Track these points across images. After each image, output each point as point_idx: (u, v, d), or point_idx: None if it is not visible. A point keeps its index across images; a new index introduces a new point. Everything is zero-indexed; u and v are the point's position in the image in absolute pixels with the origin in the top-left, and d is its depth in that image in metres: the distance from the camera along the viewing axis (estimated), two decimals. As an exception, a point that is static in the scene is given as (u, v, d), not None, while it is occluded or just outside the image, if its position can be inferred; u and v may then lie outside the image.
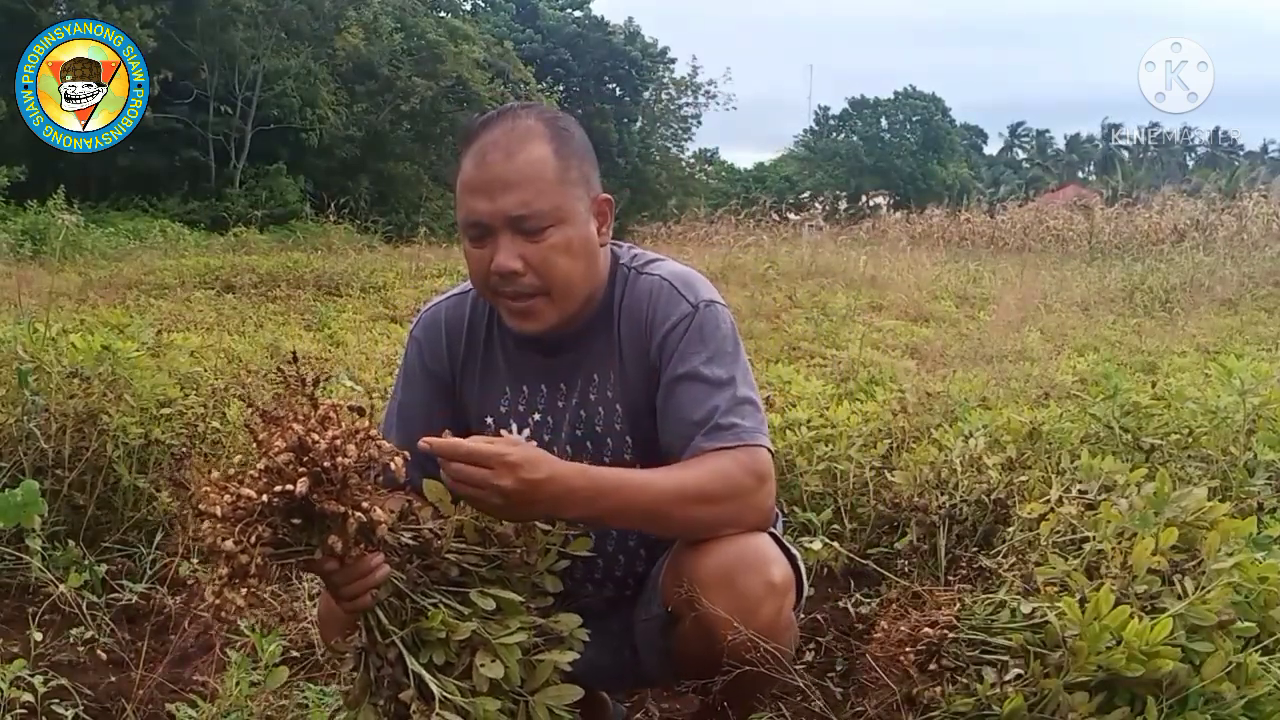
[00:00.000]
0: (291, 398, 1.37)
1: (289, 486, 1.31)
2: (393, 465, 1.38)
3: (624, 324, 1.70)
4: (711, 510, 1.56)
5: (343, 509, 1.34)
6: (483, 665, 1.43)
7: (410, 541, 1.48)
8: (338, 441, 1.34)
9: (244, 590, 1.32)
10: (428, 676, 1.41)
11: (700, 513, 1.56)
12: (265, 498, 1.32)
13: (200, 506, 1.32)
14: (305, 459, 1.33)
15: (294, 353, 1.45)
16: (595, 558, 1.71)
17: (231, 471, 1.35)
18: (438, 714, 1.39)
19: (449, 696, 1.40)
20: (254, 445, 1.37)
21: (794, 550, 1.70)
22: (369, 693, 1.44)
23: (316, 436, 1.33)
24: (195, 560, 2.68)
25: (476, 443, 1.47)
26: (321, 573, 1.41)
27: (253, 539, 1.31)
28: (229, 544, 1.30)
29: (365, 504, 1.36)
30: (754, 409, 1.62)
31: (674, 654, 1.68)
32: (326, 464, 1.33)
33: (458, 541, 1.53)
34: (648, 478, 1.58)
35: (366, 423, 1.38)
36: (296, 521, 1.35)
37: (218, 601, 1.32)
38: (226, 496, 1.32)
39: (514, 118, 1.61)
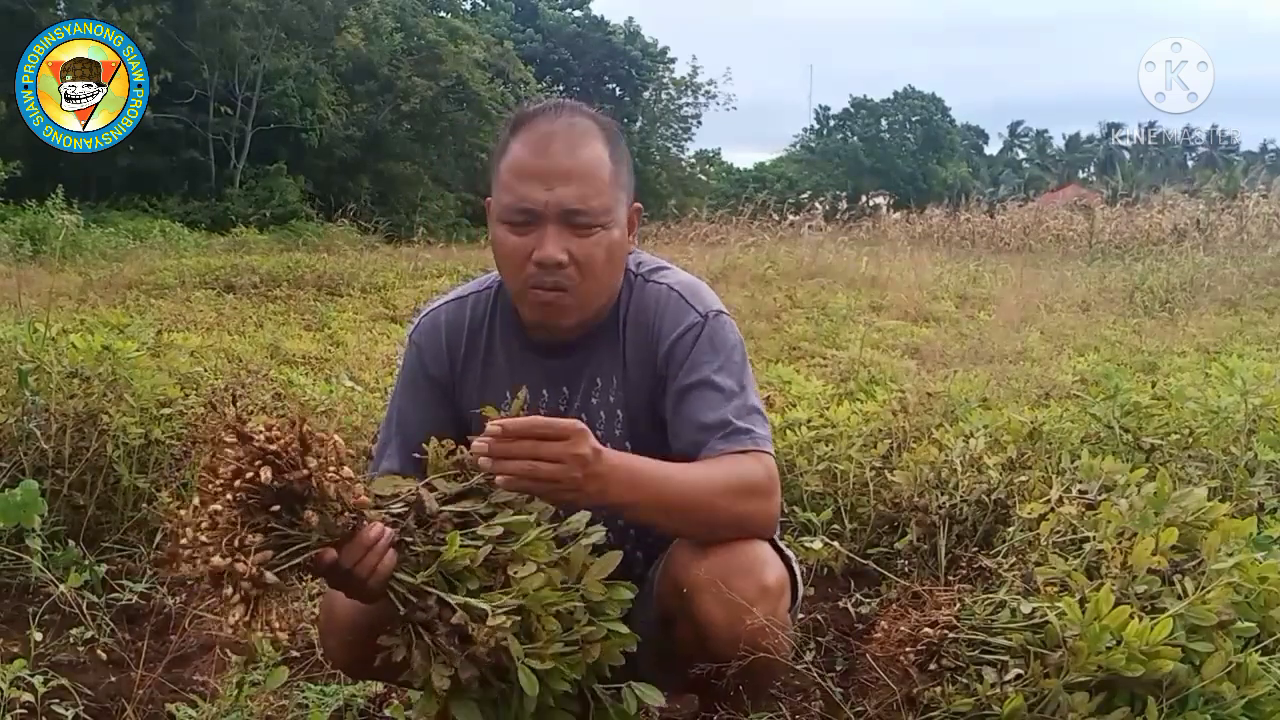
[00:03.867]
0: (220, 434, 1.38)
1: (253, 474, 1.31)
2: (337, 442, 1.39)
3: (630, 331, 1.70)
4: (729, 506, 1.56)
5: (308, 474, 1.34)
6: (516, 571, 1.43)
7: (403, 508, 1.47)
8: (284, 439, 1.36)
9: (263, 614, 1.31)
10: (471, 601, 1.40)
11: (721, 506, 1.55)
12: (232, 496, 1.32)
13: (181, 542, 1.32)
14: (259, 458, 1.33)
15: (232, 395, 1.46)
16: None
17: (194, 504, 1.35)
18: (491, 628, 1.38)
19: (496, 608, 1.39)
20: (204, 474, 1.37)
21: (789, 553, 1.70)
22: (430, 656, 1.42)
23: (263, 435, 1.35)
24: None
25: (542, 418, 1.45)
26: (327, 567, 1.39)
27: (241, 546, 1.30)
28: (216, 559, 1.29)
29: (331, 470, 1.36)
30: (762, 420, 1.64)
31: (674, 656, 1.68)
32: (279, 451, 1.34)
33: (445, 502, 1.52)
34: (682, 468, 1.58)
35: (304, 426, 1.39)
36: (276, 509, 1.34)
37: (241, 634, 1.31)
38: (202, 521, 1.32)
39: (573, 112, 1.62)
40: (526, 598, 1.42)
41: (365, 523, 1.40)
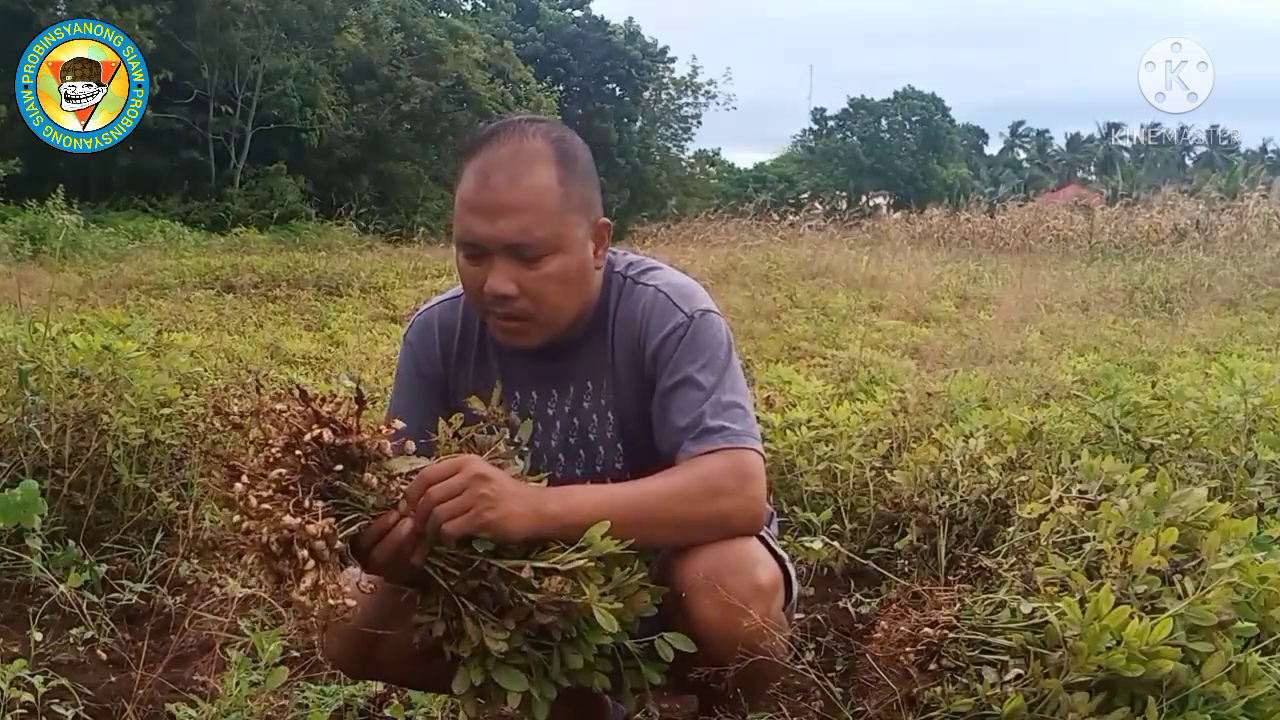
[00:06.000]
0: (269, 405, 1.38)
1: (315, 431, 1.31)
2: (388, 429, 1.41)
3: (618, 333, 1.70)
4: (695, 510, 1.55)
5: (367, 437, 1.36)
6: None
7: None
8: (339, 400, 1.38)
9: (330, 579, 1.29)
10: (537, 563, 1.42)
11: (683, 512, 1.54)
12: (300, 457, 1.31)
13: (245, 506, 1.30)
14: (317, 421, 1.34)
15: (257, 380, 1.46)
16: None
17: (245, 477, 1.33)
18: (562, 580, 1.41)
19: (556, 567, 1.42)
20: (254, 441, 1.36)
21: (782, 551, 1.70)
22: (479, 624, 1.43)
23: (320, 403, 1.36)
24: (195, 560, 2.68)
25: (428, 467, 1.46)
26: (384, 530, 1.39)
27: (308, 508, 1.29)
28: (288, 518, 1.28)
29: (385, 429, 1.39)
30: (743, 413, 1.62)
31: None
32: (335, 416, 1.35)
33: None
34: (630, 483, 1.58)
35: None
36: (340, 468, 1.34)
37: (315, 602, 1.28)
38: (261, 488, 1.30)
39: (521, 137, 1.59)
40: (591, 547, 1.43)
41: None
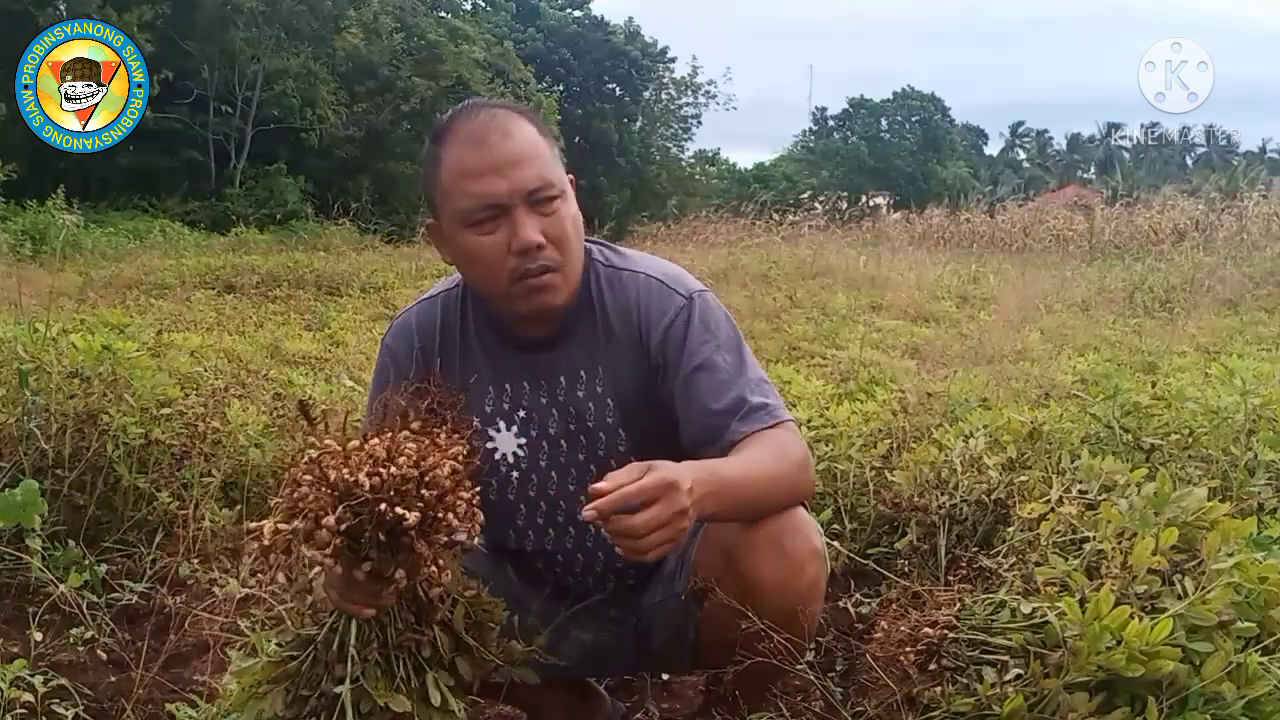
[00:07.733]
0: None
1: (401, 512, 1.31)
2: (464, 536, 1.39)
3: (612, 320, 1.71)
4: (787, 485, 1.60)
5: (427, 553, 1.35)
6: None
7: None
8: (448, 494, 1.36)
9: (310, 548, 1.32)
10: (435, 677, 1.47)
11: (782, 489, 1.60)
12: (373, 497, 1.31)
13: (318, 459, 1.32)
14: (418, 490, 1.33)
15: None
16: (596, 553, 1.77)
17: (347, 453, 1.35)
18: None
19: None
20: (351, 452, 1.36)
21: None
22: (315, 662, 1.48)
23: (435, 474, 1.35)
24: (195, 561, 2.68)
25: (629, 485, 1.37)
26: (363, 585, 1.40)
27: (337, 518, 1.31)
28: (307, 549, 1.31)
29: (440, 561, 1.38)
30: (771, 388, 1.67)
31: (696, 634, 1.72)
32: (433, 505, 1.34)
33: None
34: (743, 463, 1.57)
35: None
36: (383, 539, 1.34)
37: (284, 550, 1.31)
38: (340, 473, 1.32)
39: (488, 107, 1.64)
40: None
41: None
